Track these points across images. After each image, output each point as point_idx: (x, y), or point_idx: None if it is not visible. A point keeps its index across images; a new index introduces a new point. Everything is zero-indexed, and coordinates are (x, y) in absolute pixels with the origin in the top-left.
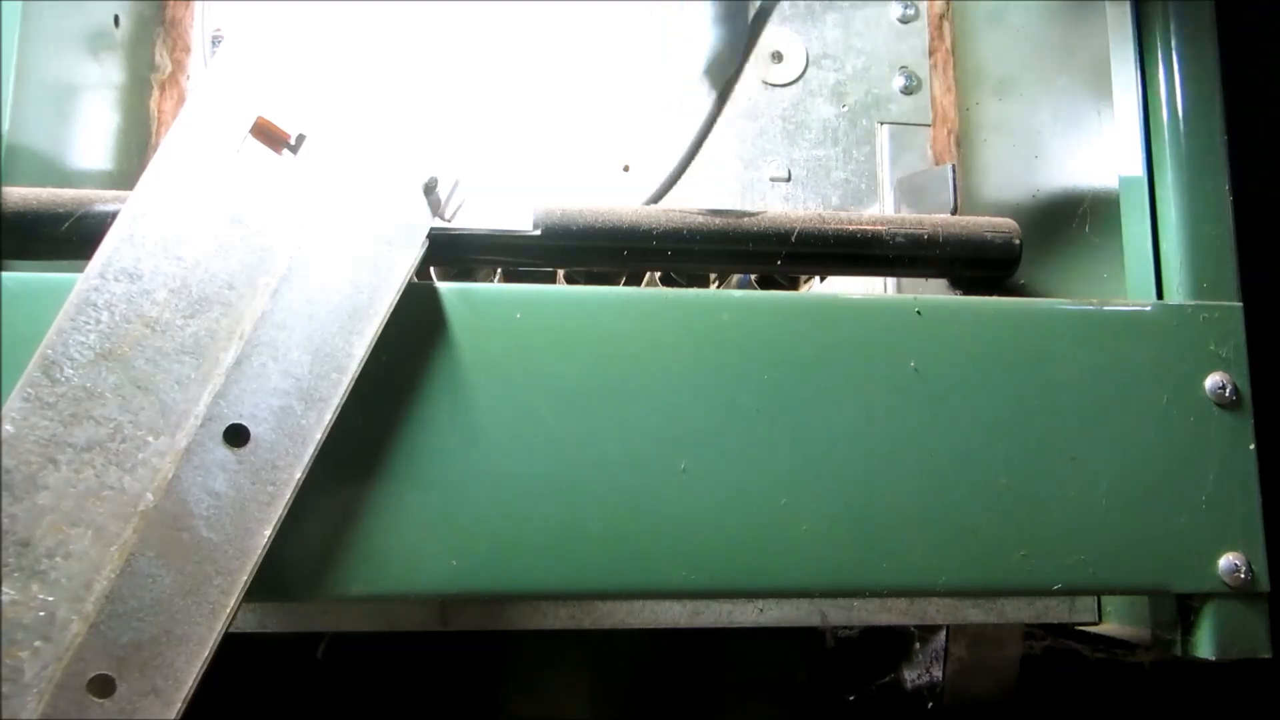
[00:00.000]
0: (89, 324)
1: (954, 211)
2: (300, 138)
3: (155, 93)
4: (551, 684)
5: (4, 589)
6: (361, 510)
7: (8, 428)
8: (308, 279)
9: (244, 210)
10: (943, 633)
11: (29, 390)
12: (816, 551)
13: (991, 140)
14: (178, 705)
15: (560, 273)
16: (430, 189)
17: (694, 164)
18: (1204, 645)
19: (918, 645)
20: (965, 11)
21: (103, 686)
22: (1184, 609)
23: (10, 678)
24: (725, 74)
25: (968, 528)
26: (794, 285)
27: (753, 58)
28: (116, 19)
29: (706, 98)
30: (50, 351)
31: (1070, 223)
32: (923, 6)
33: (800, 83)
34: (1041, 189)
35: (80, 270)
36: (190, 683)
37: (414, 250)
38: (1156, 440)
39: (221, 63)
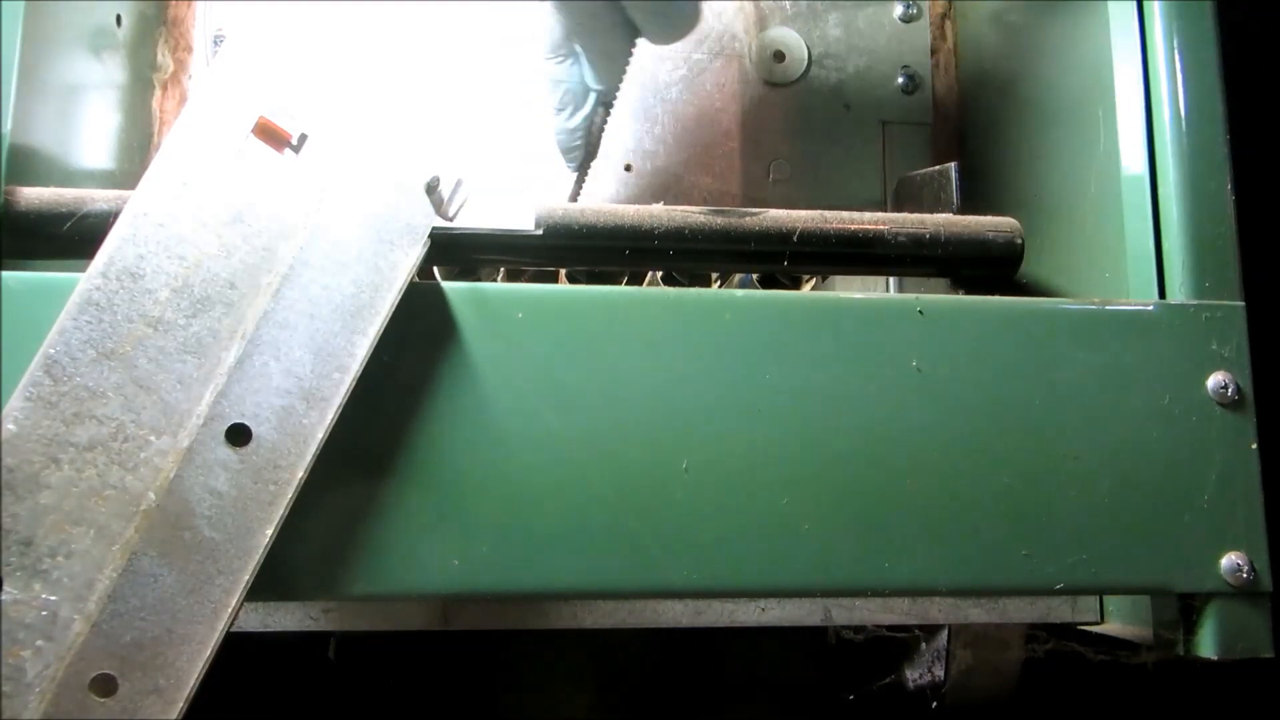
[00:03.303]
0: (91, 323)
1: (956, 211)
2: (302, 137)
3: (157, 92)
4: (552, 683)
5: (6, 588)
6: (363, 510)
7: (10, 427)
8: (310, 278)
9: (246, 210)
10: (945, 632)
11: (31, 389)
12: (818, 551)
13: (993, 139)
14: (180, 704)
15: (562, 272)
16: (432, 188)
17: (696, 164)
18: (1206, 645)
19: (923, 645)
20: (967, 11)
21: (105, 686)
22: (1186, 609)
23: (12, 677)
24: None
25: (970, 527)
26: (796, 285)
27: (755, 57)
28: (119, 18)
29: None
30: (52, 351)
31: (1072, 222)
32: (924, 6)
33: (802, 82)
34: (1043, 188)
35: (82, 270)
36: (192, 682)
37: (416, 250)
38: (1158, 440)
39: (223, 62)
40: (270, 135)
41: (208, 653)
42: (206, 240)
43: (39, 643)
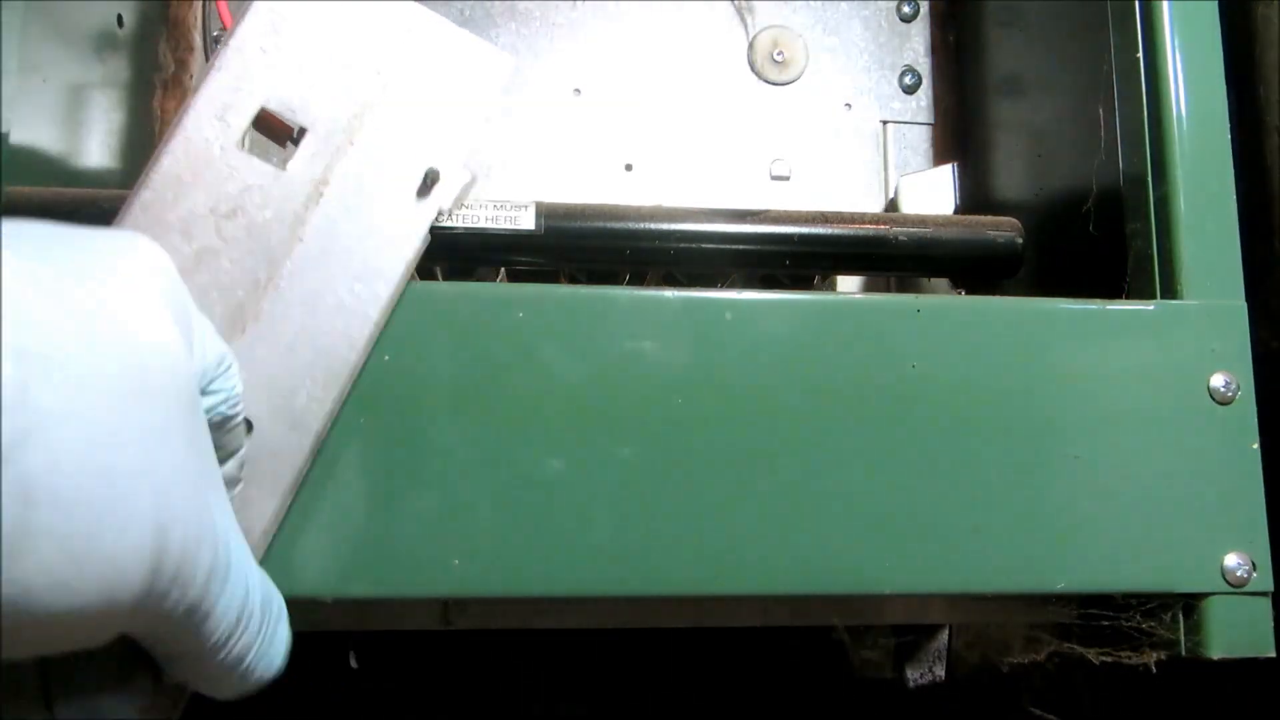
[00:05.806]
0: None
1: (956, 210)
2: (302, 131)
3: (159, 92)
4: (551, 683)
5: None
6: (363, 510)
7: None
8: (309, 274)
9: (245, 204)
10: (945, 632)
11: None
12: (818, 552)
13: (994, 139)
14: (180, 703)
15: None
16: (432, 186)
17: (697, 164)
18: (1207, 645)
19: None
20: (968, 9)
21: None
22: (1187, 608)
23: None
24: None
25: (969, 528)
26: (808, 284)
27: (755, 56)
28: (120, 18)
29: None
30: None
31: (1073, 221)
32: (925, 4)
33: (802, 81)
34: (1044, 188)
35: None
36: None
37: (415, 247)
38: (1159, 439)
39: (224, 55)
40: (270, 129)
41: None
42: (206, 234)
43: None
